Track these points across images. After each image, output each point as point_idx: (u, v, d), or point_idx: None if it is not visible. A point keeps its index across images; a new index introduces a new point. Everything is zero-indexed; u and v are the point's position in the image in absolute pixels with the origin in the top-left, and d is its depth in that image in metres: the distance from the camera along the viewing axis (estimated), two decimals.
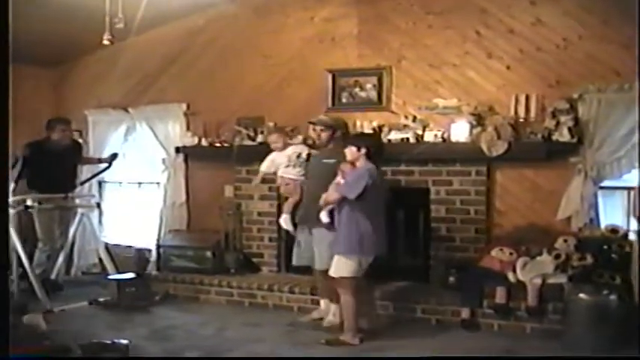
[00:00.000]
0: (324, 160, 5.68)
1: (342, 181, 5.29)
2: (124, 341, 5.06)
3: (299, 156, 6.00)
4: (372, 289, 5.76)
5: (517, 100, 6.11)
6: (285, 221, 5.98)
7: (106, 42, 4.44)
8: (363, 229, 5.19)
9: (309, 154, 5.98)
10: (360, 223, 5.19)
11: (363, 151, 5.25)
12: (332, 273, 5.30)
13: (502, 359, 5.03)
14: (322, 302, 5.96)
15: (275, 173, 6.14)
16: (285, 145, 6.11)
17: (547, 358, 5.04)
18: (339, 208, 5.29)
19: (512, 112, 6.10)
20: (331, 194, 5.27)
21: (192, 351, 5.16)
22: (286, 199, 6.13)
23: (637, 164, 5.62)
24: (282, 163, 6.02)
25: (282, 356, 5.10)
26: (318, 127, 5.79)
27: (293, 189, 5.95)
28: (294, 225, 5.93)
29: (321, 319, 5.84)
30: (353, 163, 5.30)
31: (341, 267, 5.24)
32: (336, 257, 5.29)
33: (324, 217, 5.45)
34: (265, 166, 6.15)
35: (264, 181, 6.36)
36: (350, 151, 5.30)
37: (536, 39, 6.10)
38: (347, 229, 5.23)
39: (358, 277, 5.26)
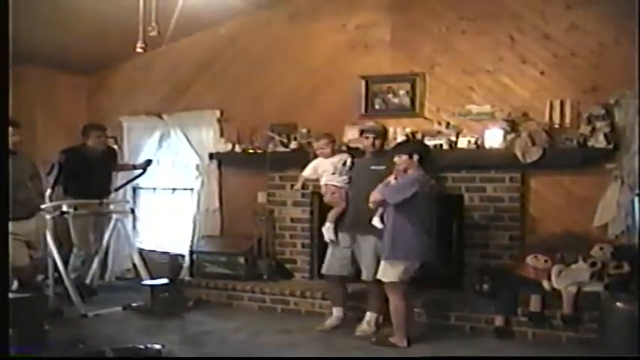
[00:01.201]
0: (373, 167, 5.69)
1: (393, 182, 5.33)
2: (157, 346, 5.10)
3: (344, 164, 5.95)
4: (419, 299, 5.76)
5: (552, 106, 6.06)
6: (327, 230, 5.89)
7: (139, 50, 4.48)
8: (410, 236, 5.22)
9: (352, 162, 5.95)
10: (407, 229, 5.21)
11: (416, 157, 5.27)
12: (380, 277, 5.33)
13: (502, 359, 4.98)
14: (335, 310, 5.97)
15: (316, 180, 6.12)
16: (333, 152, 6.06)
17: (547, 358, 5.01)
18: (388, 215, 5.31)
19: (546, 118, 6.05)
20: (373, 193, 5.29)
21: (225, 357, 5.17)
22: (329, 208, 6.06)
23: None
24: (328, 170, 5.97)
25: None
26: (371, 135, 5.78)
27: (339, 198, 5.92)
28: (336, 235, 5.89)
29: (338, 326, 5.87)
30: (405, 170, 5.32)
31: (389, 272, 5.28)
32: (383, 262, 5.32)
33: (377, 222, 5.46)
34: (308, 172, 6.10)
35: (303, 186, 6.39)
36: (401, 160, 5.31)
37: (571, 44, 6.05)
38: (394, 235, 5.25)
39: (406, 281, 5.27)
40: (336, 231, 5.86)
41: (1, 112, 3.47)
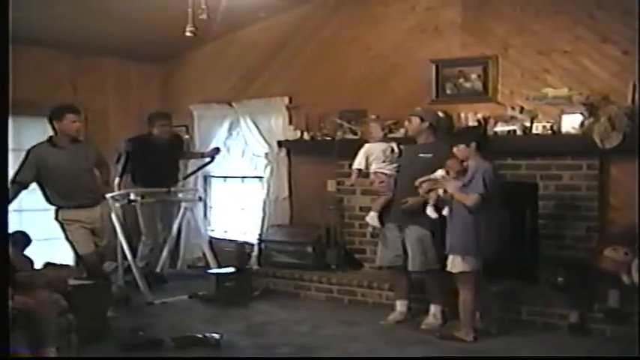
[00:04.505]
0: (421, 155, 5.54)
1: (449, 179, 5.13)
2: (216, 335, 5.07)
3: (393, 150, 5.83)
4: (489, 290, 5.50)
5: (635, 88, 5.64)
6: (372, 219, 5.80)
7: (188, 34, 4.40)
8: (480, 229, 5.01)
9: (400, 150, 5.81)
10: (475, 222, 5.00)
11: (473, 146, 5.06)
12: (449, 269, 5.14)
13: (502, 359, 4.74)
14: (398, 303, 5.81)
15: (368, 169, 5.93)
16: (385, 137, 5.93)
17: (547, 358, 4.75)
18: (453, 208, 5.11)
19: (629, 101, 5.64)
20: (469, 198, 4.99)
21: (285, 348, 5.09)
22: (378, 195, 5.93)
23: None
24: (378, 157, 5.82)
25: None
26: (412, 118, 5.65)
27: (387, 185, 5.76)
28: (382, 223, 5.76)
29: (403, 320, 5.72)
30: (462, 161, 5.12)
31: (457, 263, 5.10)
32: (451, 256, 5.13)
33: (431, 212, 5.31)
34: (358, 162, 5.93)
35: (365, 175, 6.14)
36: (459, 150, 5.12)
37: None
38: (462, 229, 5.06)
39: (476, 272, 5.09)
40: (382, 220, 5.70)
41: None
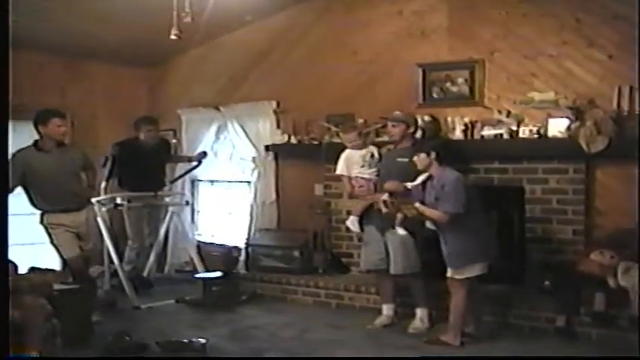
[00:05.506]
0: (399, 159, 5.55)
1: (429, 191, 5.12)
2: (202, 340, 5.05)
3: (372, 155, 5.86)
4: (480, 295, 5.47)
5: (620, 92, 5.65)
6: (352, 223, 5.83)
7: (173, 37, 4.38)
8: (471, 240, 5.02)
9: (380, 154, 5.85)
10: (466, 234, 5.01)
11: (433, 155, 5.07)
12: (452, 275, 5.09)
13: (503, 359, 4.72)
14: (385, 307, 5.81)
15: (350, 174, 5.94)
16: (364, 145, 5.93)
17: (547, 358, 4.74)
18: (442, 226, 5.08)
19: (614, 105, 5.65)
20: (438, 215, 5.01)
21: (271, 352, 5.08)
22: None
23: None
24: (357, 162, 5.84)
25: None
26: (390, 123, 5.68)
27: (366, 190, 5.77)
28: (362, 227, 5.79)
29: (390, 324, 5.73)
30: (425, 170, 5.16)
31: (466, 270, 5.07)
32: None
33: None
34: (340, 168, 5.96)
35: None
36: (419, 160, 5.12)
37: None
38: (454, 243, 5.05)
39: (472, 278, 5.08)
40: (362, 224, 5.72)
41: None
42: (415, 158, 5.14)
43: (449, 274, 5.10)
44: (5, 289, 3.49)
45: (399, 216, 5.32)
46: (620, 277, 5.20)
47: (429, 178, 5.16)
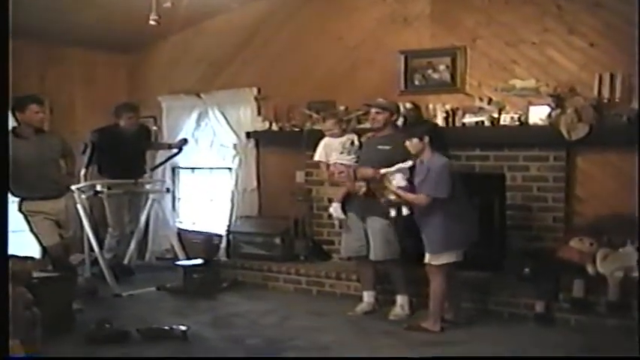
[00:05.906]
0: (379, 147, 5.53)
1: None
2: (183, 327, 5.03)
3: (352, 143, 5.83)
4: (459, 281, 5.46)
5: (601, 80, 5.67)
6: (335, 210, 5.80)
7: (152, 22, 4.34)
8: (453, 226, 5.02)
9: (360, 142, 5.82)
10: (448, 220, 5.00)
11: (426, 140, 5.04)
12: (429, 261, 5.10)
13: (508, 359, 4.67)
14: (365, 294, 5.82)
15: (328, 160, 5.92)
16: (343, 133, 5.90)
17: (547, 358, 4.70)
18: (424, 209, 5.07)
19: (595, 93, 5.67)
20: (418, 198, 5.03)
21: (252, 339, 5.06)
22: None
23: None
24: (337, 149, 5.82)
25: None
26: (373, 110, 5.63)
27: (346, 176, 5.75)
28: (345, 213, 5.77)
29: (371, 311, 5.73)
30: (417, 155, 5.12)
31: (442, 256, 5.08)
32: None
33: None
34: (318, 154, 5.94)
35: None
36: (412, 144, 5.09)
37: (626, 11, 5.56)
38: (435, 229, 5.04)
39: (451, 263, 5.08)
40: (344, 210, 5.71)
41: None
42: (407, 143, 5.10)
43: (426, 259, 5.11)
44: (5, 289, 3.45)
45: (383, 200, 5.29)
46: (599, 264, 5.26)
47: (415, 163, 5.14)
